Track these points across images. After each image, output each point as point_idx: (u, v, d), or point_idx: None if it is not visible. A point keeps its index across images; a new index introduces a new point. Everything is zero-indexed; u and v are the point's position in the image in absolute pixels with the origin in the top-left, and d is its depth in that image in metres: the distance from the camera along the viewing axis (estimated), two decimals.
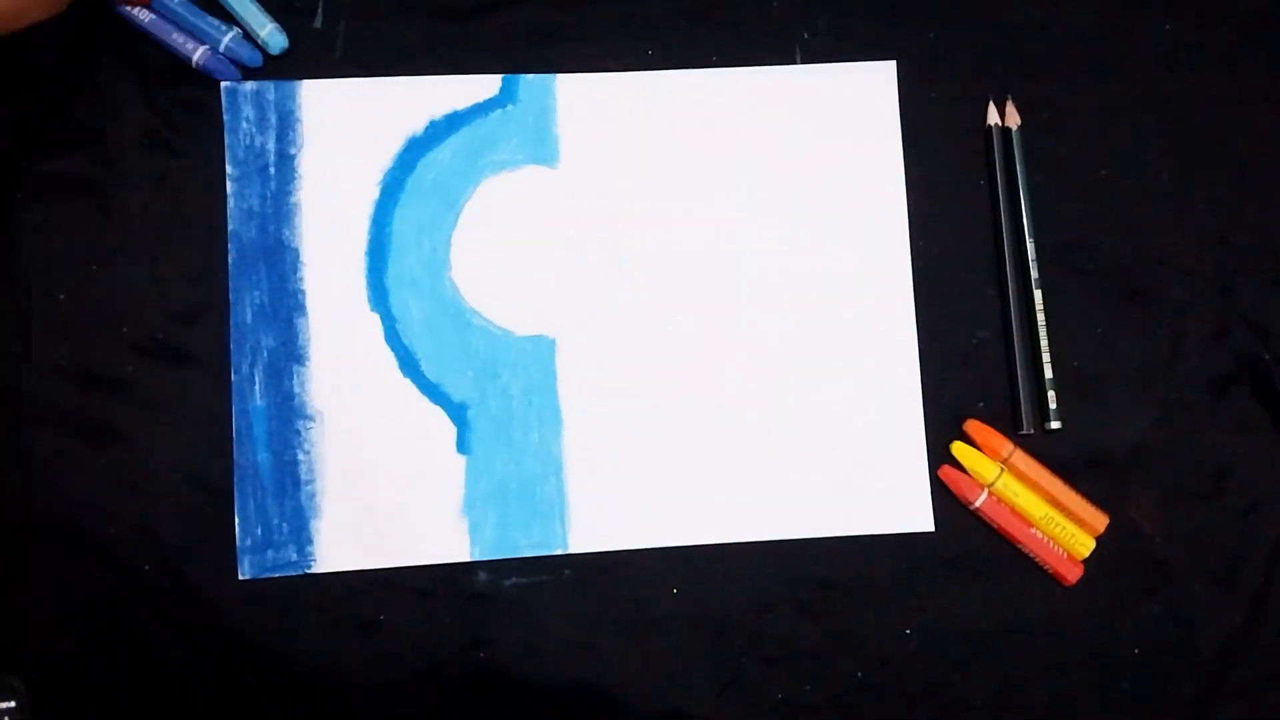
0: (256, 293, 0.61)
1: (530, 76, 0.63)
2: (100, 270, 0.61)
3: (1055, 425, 0.62)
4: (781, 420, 0.62)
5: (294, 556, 0.60)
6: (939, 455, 0.62)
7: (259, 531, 0.60)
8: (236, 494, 0.60)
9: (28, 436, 0.60)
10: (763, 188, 0.64)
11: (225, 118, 0.62)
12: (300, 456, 0.60)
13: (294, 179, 0.62)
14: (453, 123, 0.63)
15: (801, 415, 0.62)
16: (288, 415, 0.61)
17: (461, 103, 0.63)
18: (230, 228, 0.62)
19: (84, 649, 0.59)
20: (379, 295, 0.62)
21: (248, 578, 0.60)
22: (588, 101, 0.64)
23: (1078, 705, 0.61)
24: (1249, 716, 0.61)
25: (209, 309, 0.61)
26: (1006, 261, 0.63)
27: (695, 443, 0.62)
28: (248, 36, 0.62)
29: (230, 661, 0.59)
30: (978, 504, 0.61)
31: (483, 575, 0.60)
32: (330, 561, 0.60)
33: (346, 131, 0.62)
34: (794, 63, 0.65)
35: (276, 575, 0.60)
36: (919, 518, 0.62)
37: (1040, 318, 0.63)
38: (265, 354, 0.61)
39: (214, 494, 0.60)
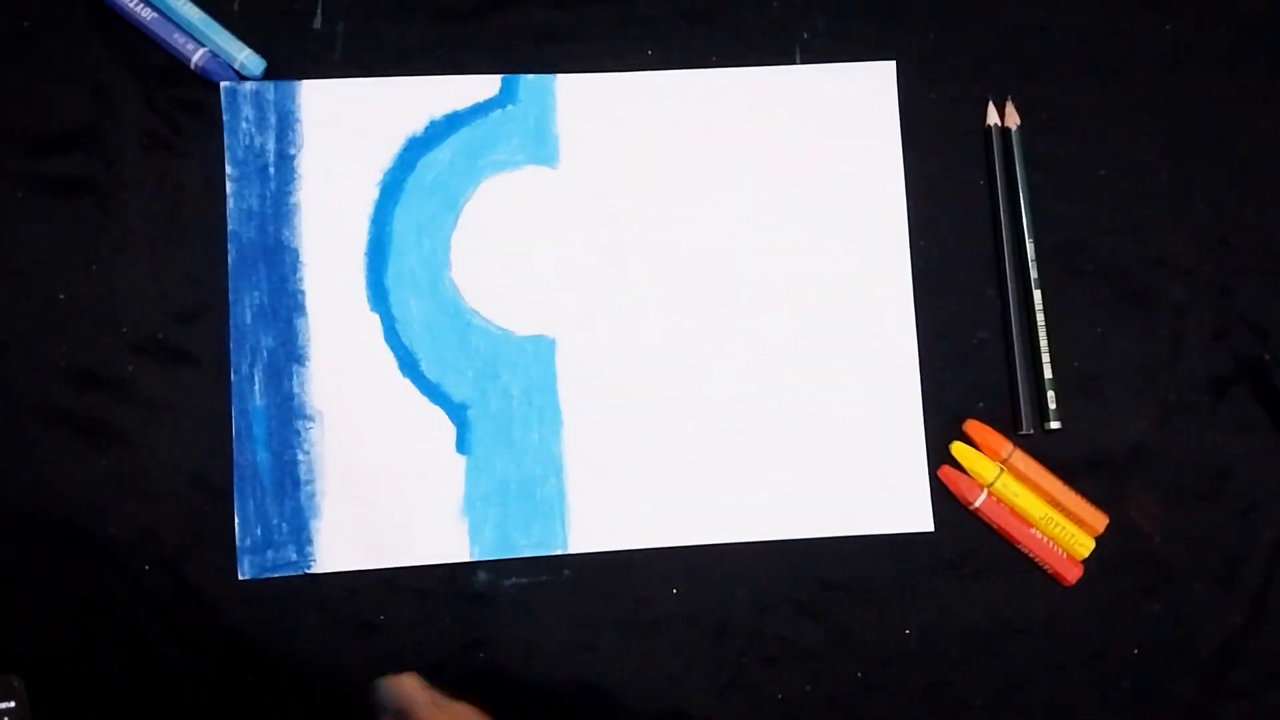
0: (256, 293, 0.61)
1: (530, 77, 0.63)
2: (100, 270, 0.61)
3: (1055, 425, 0.62)
4: (781, 420, 0.62)
5: (294, 556, 0.60)
6: (939, 455, 0.62)
7: (259, 531, 0.60)
8: (236, 494, 0.60)
9: (28, 436, 0.60)
10: (762, 188, 0.64)
11: (225, 118, 0.62)
12: (300, 456, 0.60)
13: (294, 179, 0.62)
14: (452, 123, 0.63)
15: (801, 415, 0.62)
16: (287, 415, 0.61)
17: (461, 103, 0.63)
18: (230, 228, 0.62)
19: (84, 649, 0.59)
20: (379, 295, 0.62)
21: (247, 578, 0.60)
22: (587, 102, 0.64)
23: (1078, 705, 0.61)
24: (1249, 716, 0.61)
25: (209, 309, 0.61)
26: (1006, 261, 0.63)
27: (695, 442, 0.62)
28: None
29: (230, 661, 0.59)
30: (977, 504, 0.61)
31: (483, 575, 0.60)
32: (330, 561, 0.60)
33: (346, 132, 0.62)
34: (794, 63, 0.65)
35: (276, 575, 0.60)
36: (919, 518, 0.62)
37: (1040, 318, 0.63)
38: (265, 354, 0.61)
39: (214, 494, 0.60)
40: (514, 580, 0.60)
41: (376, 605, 0.60)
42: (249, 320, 0.61)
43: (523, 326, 0.62)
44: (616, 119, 0.64)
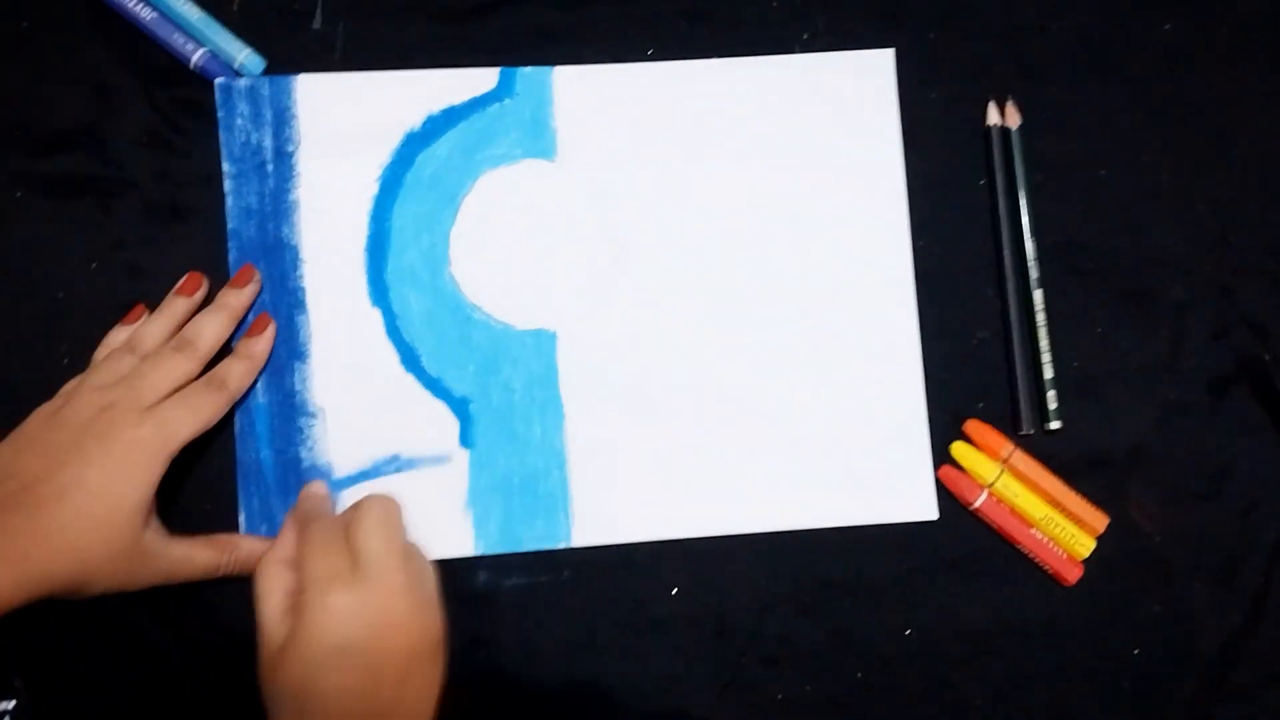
0: None
1: (527, 69, 0.63)
2: (100, 270, 0.61)
3: (1055, 425, 0.62)
4: (783, 409, 0.62)
5: None
6: (939, 455, 0.62)
7: (262, 529, 0.60)
8: (239, 492, 0.60)
9: None
10: (762, 178, 0.63)
11: (220, 114, 0.62)
12: (303, 454, 0.60)
13: (292, 176, 0.62)
14: (450, 117, 0.63)
15: (802, 405, 0.62)
16: (289, 412, 0.60)
17: (458, 97, 0.63)
18: (229, 226, 0.61)
19: (84, 649, 0.59)
20: (379, 291, 0.62)
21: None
22: (585, 94, 0.63)
23: (1078, 705, 0.61)
24: (1249, 716, 0.61)
25: None
26: (1006, 261, 0.63)
27: (696, 435, 0.61)
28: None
29: (230, 661, 0.59)
30: (977, 504, 0.61)
31: (483, 575, 0.60)
32: None
33: (343, 127, 0.62)
34: None
35: None
36: (924, 507, 0.61)
37: (1040, 318, 0.63)
38: None
39: (216, 493, 0.60)
40: (514, 580, 0.60)
41: None
42: (250, 318, 0.61)
43: (523, 320, 0.62)
44: (614, 111, 0.63)
